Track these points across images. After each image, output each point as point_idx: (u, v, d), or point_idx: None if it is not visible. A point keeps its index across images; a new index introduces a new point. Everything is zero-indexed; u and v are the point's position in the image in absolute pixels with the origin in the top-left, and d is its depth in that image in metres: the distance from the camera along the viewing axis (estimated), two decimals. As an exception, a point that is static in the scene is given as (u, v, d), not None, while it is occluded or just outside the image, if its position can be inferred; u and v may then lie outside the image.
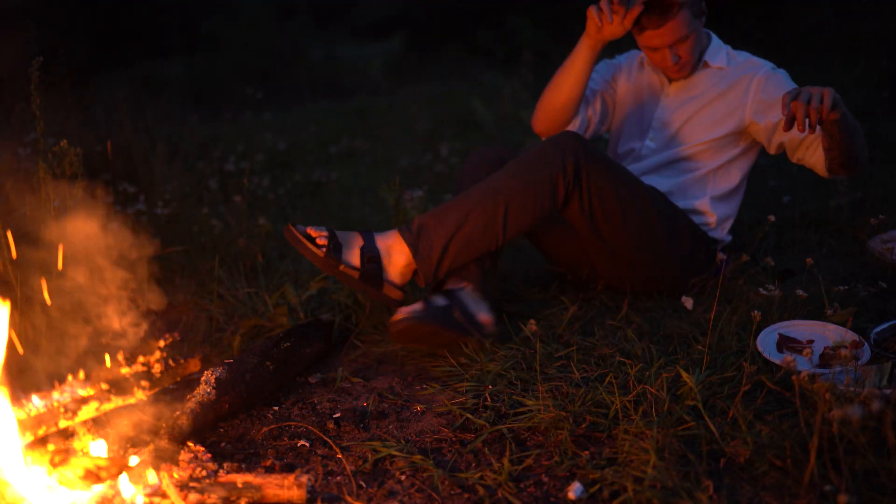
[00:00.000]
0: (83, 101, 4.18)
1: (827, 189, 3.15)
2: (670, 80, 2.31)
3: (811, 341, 1.84)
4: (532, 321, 2.03)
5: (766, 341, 1.83)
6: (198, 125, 4.65)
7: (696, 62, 2.23)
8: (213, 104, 5.68)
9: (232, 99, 6.08)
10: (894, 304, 2.06)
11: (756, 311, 1.72)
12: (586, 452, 1.50)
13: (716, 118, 2.23)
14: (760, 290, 2.00)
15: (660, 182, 2.28)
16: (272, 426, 1.74)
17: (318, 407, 1.85)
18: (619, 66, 2.45)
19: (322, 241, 1.88)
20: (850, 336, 1.82)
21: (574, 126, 2.35)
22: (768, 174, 3.46)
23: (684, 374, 1.62)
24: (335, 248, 1.87)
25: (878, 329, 1.86)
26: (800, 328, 1.89)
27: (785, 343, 1.83)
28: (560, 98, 2.28)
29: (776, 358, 1.75)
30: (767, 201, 3.08)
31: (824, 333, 1.86)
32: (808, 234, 2.76)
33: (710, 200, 2.27)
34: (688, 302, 2.08)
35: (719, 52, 2.24)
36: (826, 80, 5.06)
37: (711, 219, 2.28)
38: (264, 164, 4.38)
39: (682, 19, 2.06)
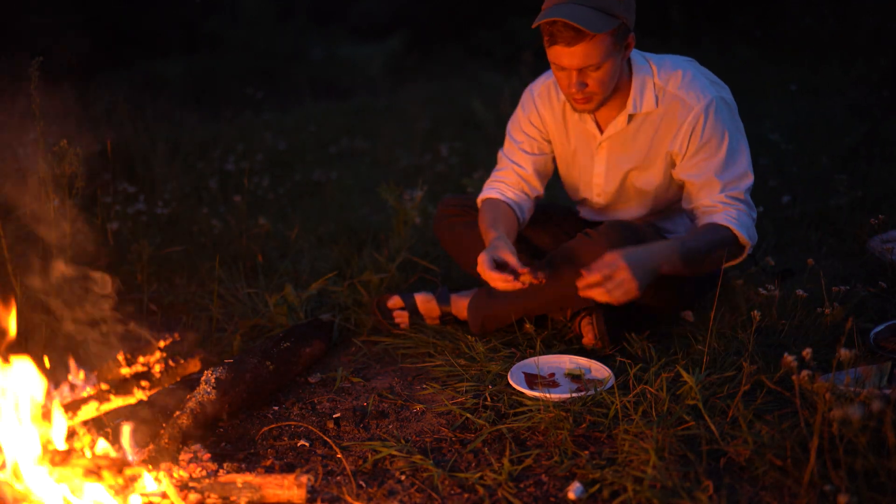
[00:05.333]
0: (83, 101, 4.18)
1: (826, 189, 3.15)
2: (595, 121, 2.02)
3: (552, 374, 1.85)
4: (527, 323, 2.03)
5: (517, 380, 1.80)
6: (198, 125, 4.65)
7: (607, 97, 1.88)
8: (213, 104, 5.67)
9: (232, 99, 6.08)
10: (894, 304, 2.06)
11: (756, 311, 1.72)
12: (586, 452, 1.50)
13: (653, 175, 2.01)
14: (760, 290, 2.00)
15: None
16: (272, 426, 1.74)
17: (318, 407, 1.85)
18: (537, 117, 2.12)
19: (402, 321, 2.25)
20: (581, 361, 1.86)
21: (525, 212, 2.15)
22: (768, 174, 3.45)
23: (684, 374, 1.62)
24: (417, 315, 2.25)
25: (878, 329, 1.86)
26: (540, 363, 1.88)
27: (531, 380, 1.82)
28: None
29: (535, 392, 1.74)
30: (767, 201, 3.07)
31: (559, 364, 1.88)
32: (808, 234, 2.76)
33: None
34: (688, 315, 2.07)
35: (644, 90, 1.90)
36: (824, 79, 5.08)
37: None
38: (264, 164, 4.37)
39: (600, 43, 1.73)
